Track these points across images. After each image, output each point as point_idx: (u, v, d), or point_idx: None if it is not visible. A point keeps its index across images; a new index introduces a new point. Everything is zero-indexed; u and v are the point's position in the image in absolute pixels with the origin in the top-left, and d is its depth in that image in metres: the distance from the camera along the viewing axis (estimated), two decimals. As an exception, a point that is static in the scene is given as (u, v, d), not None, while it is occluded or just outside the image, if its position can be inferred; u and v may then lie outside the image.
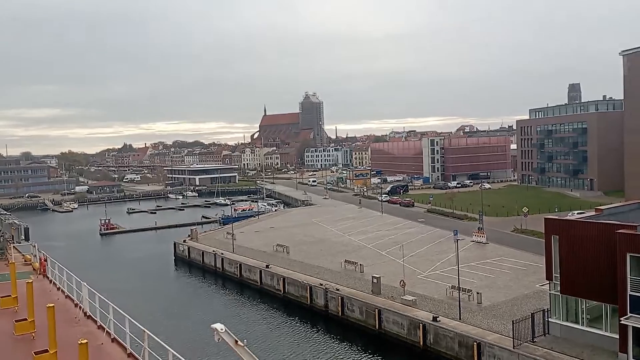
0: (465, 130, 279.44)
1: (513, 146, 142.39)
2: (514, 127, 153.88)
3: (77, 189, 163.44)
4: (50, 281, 23.46)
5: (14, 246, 31.89)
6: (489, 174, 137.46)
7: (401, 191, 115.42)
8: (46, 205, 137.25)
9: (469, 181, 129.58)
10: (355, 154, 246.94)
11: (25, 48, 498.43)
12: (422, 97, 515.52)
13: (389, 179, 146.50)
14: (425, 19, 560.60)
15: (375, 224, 75.27)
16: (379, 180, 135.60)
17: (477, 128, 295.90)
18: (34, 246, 28.14)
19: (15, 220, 57.75)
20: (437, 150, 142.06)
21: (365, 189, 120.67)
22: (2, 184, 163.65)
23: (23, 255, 30.27)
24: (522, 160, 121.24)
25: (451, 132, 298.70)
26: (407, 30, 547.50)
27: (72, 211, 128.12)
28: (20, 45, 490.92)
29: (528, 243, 55.92)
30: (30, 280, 18.72)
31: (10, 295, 20.58)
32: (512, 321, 31.14)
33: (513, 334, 30.07)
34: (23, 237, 45.28)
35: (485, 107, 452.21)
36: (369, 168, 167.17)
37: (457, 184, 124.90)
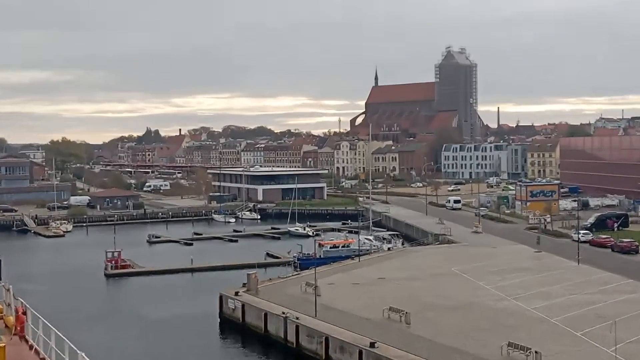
0: None
1: None
2: None
3: (73, 200, 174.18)
4: (31, 347, 24.68)
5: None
6: None
7: (616, 225, 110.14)
8: (26, 226, 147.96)
9: None
10: (532, 156, 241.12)
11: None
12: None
13: (593, 202, 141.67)
14: None
15: (564, 281, 72.92)
16: (575, 205, 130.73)
17: None
18: (8, 290, 29.92)
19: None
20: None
21: (548, 219, 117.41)
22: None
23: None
24: None
25: None
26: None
27: (63, 235, 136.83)
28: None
29: None
30: (2, 344, 19.84)
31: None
32: None
33: None
34: (-9, 275, 48.55)
35: None
36: (556, 182, 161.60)
37: None
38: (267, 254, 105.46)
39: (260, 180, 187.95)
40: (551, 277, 75.42)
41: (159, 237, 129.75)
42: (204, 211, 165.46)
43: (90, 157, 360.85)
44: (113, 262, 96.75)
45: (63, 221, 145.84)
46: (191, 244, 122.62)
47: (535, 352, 47.72)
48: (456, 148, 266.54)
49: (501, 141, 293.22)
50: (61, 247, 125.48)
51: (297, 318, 60.10)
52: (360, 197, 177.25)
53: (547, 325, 56.05)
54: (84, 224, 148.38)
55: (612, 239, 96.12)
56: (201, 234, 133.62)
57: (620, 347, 47.52)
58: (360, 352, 51.83)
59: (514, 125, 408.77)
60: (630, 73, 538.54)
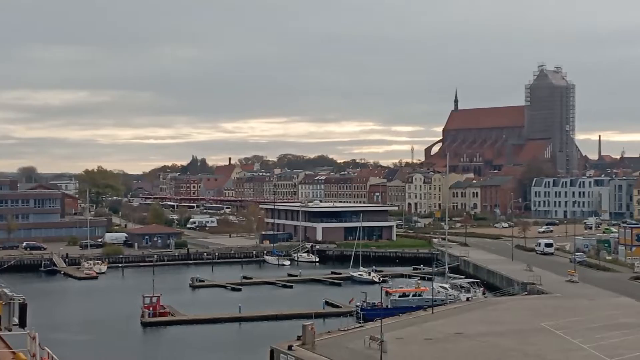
0: None
1: None
2: None
3: (108, 237, 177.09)
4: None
5: (-1, 335, 34.91)
6: None
7: None
8: (55, 266, 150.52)
9: None
10: (639, 193, 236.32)
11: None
12: None
13: None
14: None
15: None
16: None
17: None
18: (34, 338, 30.56)
19: (4, 289, 63.77)
20: None
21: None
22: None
23: (14, 352, 33.04)
24: None
25: None
26: None
27: (96, 277, 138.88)
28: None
29: None
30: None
31: None
32: None
33: None
34: (16, 320, 49.42)
35: None
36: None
37: None
38: (326, 302, 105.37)
39: (320, 217, 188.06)
40: (661, 336, 73.44)
41: (203, 281, 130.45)
42: (254, 252, 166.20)
43: (129, 188, 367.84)
44: (151, 308, 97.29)
45: (96, 261, 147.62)
46: (239, 290, 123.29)
47: None
48: (549, 183, 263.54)
49: (603, 175, 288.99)
50: (94, 290, 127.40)
51: (360, 378, 59.94)
52: (435, 238, 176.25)
53: (654, 394, 54.71)
54: (120, 265, 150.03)
55: None
56: (251, 278, 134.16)
57: None
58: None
59: (619, 157, 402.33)
60: None
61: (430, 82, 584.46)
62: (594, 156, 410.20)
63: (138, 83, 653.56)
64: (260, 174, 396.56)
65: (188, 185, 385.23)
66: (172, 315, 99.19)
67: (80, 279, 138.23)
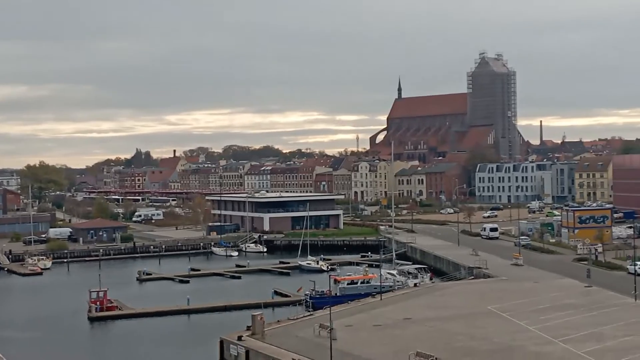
0: None
1: None
2: None
3: (52, 232, 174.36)
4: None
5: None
6: None
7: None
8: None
9: None
10: (581, 176, 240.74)
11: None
12: None
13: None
14: None
15: (619, 320, 72.61)
16: (630, 232, 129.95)
17: None
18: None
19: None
20: None
21: (599, 249, 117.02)
22: None
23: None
24: None
25: None
26: None
27: (41, 273, 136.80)
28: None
29: None
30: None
31: None
32: None
33: None
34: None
35: None
36: (609, 206, 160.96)
37: None
38: (275, 292, 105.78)
39: (267, 208, 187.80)
40: (604, 315, 74.86)
41: (150, 274, 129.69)
42: (202, 244, 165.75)
43: (72, 183, 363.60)
44: (98, 303, 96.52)
45: (41, 257, 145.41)
46: (187, 282, 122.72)
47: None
48: (492, 168, 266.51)
49: (544, 160, 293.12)
50: (39, 286, 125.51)
51: (310, 366, 60.11)
52: (382, 225, 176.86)
53: (599, 372, 55.71)
54: (65, 260, 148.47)
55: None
56: (199, 270, 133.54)
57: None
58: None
59: (560, 142, 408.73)
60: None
61: (374, 72, 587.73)
62: (535, 141, 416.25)
63: (78, 76, 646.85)
64: (206, 165, 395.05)
65: (133, 178, 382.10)
66: (119, 309, 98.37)
67: (24, 275, 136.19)
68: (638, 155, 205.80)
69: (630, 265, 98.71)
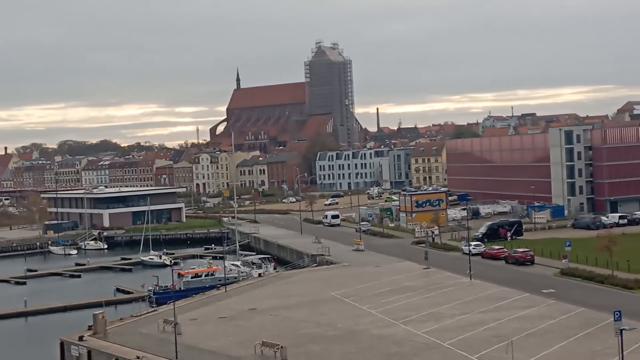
0: (635, 112, 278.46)
1: None
2: None
3: None
4: None
5: None
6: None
7: (508, 234, 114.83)
8: None
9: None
10: (416, 161, 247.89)
11: None
12: (549, 50, 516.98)
13: (484, 210, 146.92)
14: None
15: (456, 299, 75.05)
16: (464, 214, 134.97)
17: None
18: None
19: None
20: (581, 153, 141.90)
21: (436, 231, 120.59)
22: None
23: None
24: None
25: (606, 116, 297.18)
26: None
27: None
28: None
29: None
30: None
31: None
32: None
33: None
34: None
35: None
36: (444, 190, 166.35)
37: (622, 218, 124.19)
38: (117, 289, 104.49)
39: (106, 203, 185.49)
40: (442, 295, 77.37)
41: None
42: (38, 243, 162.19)
43: None
44: None
45: None
46: (24, 283, 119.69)
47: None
48: (332, 156, 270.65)
49: (382, 146, 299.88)
50: None
51: (155, 362, 59.34)
52: (225, 217, 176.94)
53: (439, 351, 57.31)
54: None
55: (505, 250, 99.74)
56: (36, 271, 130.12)
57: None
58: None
59: (396, 128, 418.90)
60: (519, 66, 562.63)
61: (212, 63, 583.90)
62: (373, 128, 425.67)
63: None
64: (40, 162, 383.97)
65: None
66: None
67: None
68: (469, 139, 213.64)
69: (465, 246, 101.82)
